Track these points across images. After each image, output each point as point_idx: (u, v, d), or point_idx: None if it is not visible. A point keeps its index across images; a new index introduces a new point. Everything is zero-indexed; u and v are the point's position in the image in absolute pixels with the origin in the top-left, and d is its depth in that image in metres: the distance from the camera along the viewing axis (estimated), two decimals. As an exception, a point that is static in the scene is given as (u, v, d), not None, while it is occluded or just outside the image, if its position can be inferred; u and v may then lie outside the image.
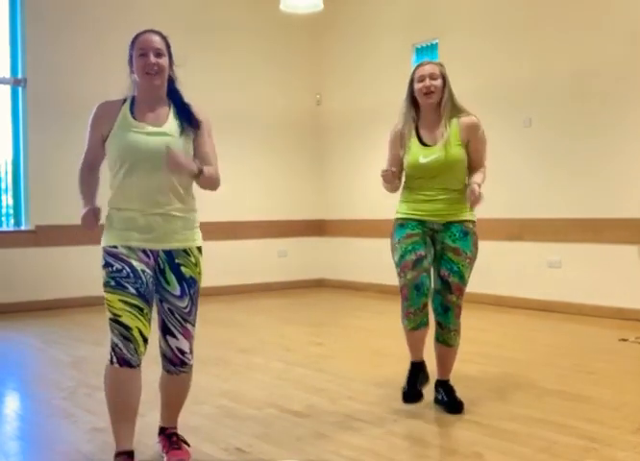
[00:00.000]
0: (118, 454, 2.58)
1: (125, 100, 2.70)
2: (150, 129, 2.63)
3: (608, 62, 6.16)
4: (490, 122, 7.00)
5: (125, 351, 2.54)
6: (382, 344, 5.08)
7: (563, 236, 6.48)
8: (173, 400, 2.82)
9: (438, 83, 3.37)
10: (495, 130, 7.17)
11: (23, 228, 7.07)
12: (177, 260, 2.68)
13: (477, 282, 7.00)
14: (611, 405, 3.46)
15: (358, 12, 8.45)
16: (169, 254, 2.67)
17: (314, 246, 8.95)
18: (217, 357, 4.66)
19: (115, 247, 2.61)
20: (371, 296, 7.89)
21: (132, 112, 2.66)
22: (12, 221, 7.11)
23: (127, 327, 2.54)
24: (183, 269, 2.68)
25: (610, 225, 6.15)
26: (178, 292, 2.67)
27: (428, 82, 3.35)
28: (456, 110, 3.43)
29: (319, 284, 8.92)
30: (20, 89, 7.04)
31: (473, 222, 3.47)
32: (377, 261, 8.18)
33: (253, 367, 4.40)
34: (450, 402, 3.42)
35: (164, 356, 2.73)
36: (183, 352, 2.71)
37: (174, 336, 2.69)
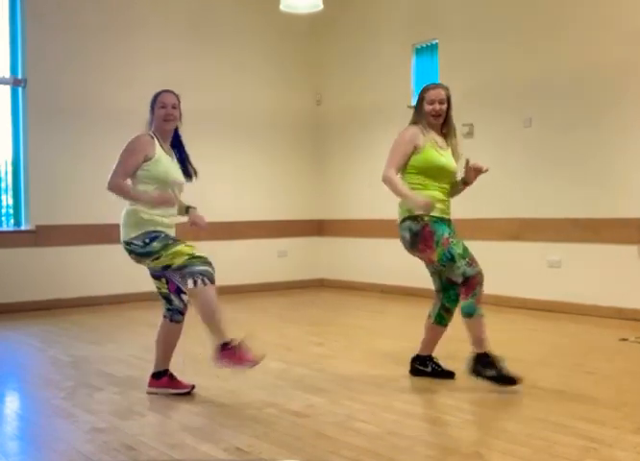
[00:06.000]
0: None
1: (152, 136, 3.67)
2: (174, 163, 3.74)
3: (609, 62, 6.16)
4: (490, 122, 7.05)
5: (212, 271, 3.48)
6: (382, 344, 5.08)
7: (563, 236, 6.48)
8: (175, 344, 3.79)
9: (445, 107, 3.92)
10: (495, 130, 7.20)
11: (23, 228, 7.07)
12: None
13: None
14: (611, 405, 3.46)
15: (358, 12, 8.45)
16: None
17: (314, 246, 8.95)
18: (217, 357, 4.65)
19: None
20: (371, 296, 7.89)
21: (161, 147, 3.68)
22: (12, 221, 7.11)
23: (207, 258, 3.50)
24: None
25: (610, 225, 6.15)
26: None
27: (437, 106, 3.89)
28: (453, 135, 4.02)
29: (319, 284, 8.92)
30: (20, 89, 7.04)
31: None
32: (377, 261, 8.20)
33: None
34: (445, 372, 4.03)
35: (180, 312, 3.70)
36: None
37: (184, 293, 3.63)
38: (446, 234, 3.79)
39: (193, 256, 3.48)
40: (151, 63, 7.58)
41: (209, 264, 3.49)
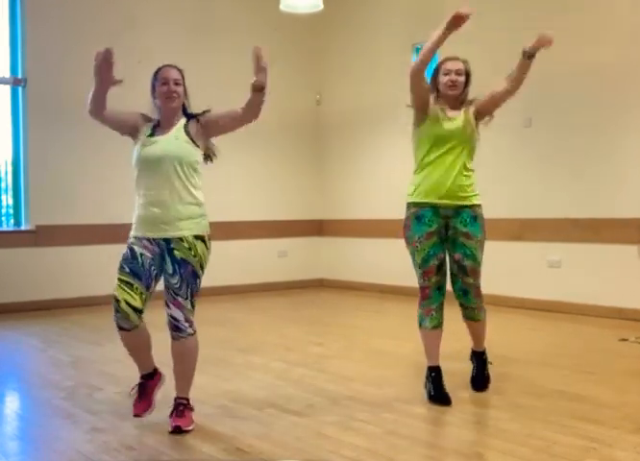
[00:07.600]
0: (142, 377, 3.36)
1: (151, 121, 3.33)
2: (154, 138, 3.25)
3: (608, 63, 6.15)
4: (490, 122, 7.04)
5: (117, 318, 3.12)
6: (382, 344, 5.08)
7: (563, 236, 6.48)
8: (179, 366, 3.26)
9: (462, 79, 3.69)
10: (495, 130, 7.16)
11: (23, 228, 7.07)
12: (172, 245, 3.18)
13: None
14: (611, 405, 3.46)
15: (359, 12, 8.44)
16: (167, 241, 3.17)
17: (314, 246, 8.95)
18: (217, 357, 4.66)
19: (130, 238, 3.22)
20: (371, 296, 7.89)
21: (152, 133, 3.28)
22: (12, 221, 7.11)
23: (117, 300, 3.10)
24: (175, 252, 3.17)
25: (610, 225, 6.15)
26: (170, 271, 3.16)
27: (453, 76, 3.65)
28: (468, 102, 3.77)
29: (319, 284, 8.92)
30: (20, 89, 7.04)
31: (479, 206, 3.64)
32: (377, 261, 8.20)
33: (253, 367, 4.40)
34: (475, 378, 3.76)
35: (168, 324, 3.21)
36: (176, 320, 3.17)
37: (168, 307, 3.18)
38: (416, 236, 3.53)
39: (114, 297, 3.12)
40: (151, 63, 7.56)
41: (117, 311, 3.09)
